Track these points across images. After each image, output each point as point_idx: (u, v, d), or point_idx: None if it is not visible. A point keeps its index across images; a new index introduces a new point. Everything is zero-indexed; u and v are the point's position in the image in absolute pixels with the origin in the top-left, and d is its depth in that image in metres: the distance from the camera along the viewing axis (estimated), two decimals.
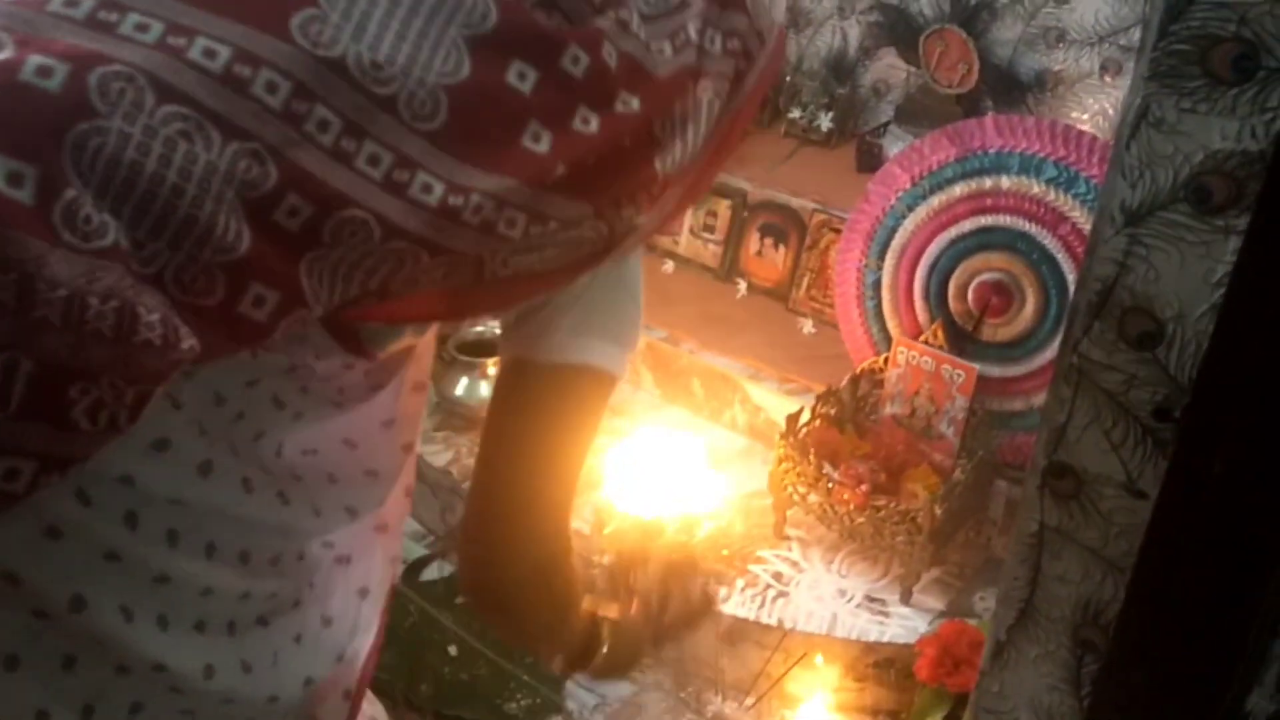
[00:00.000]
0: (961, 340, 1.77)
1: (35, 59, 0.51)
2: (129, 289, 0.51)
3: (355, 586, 0.80)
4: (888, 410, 1.77)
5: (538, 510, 0.75)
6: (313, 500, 0.71)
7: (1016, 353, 1.75)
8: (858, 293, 1.89)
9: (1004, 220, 1.70)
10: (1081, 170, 1.65)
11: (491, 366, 1.97)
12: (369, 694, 0.87)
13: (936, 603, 1.67)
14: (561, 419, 0.74)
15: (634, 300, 0.76)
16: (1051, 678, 0.75)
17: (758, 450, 1.97)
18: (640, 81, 0.61)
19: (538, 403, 0.74)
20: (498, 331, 2.07)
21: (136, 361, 0.52)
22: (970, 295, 1.76)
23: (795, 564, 1.75)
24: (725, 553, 1.75)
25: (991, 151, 1.71)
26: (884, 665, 1.60)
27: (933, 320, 1.78)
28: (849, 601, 1.67)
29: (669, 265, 2.28)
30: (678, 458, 1.93)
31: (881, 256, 1.85)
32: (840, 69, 2.41)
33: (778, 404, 1.93)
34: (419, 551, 1.87)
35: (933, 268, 1.78)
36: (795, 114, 2.39)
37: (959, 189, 1.74)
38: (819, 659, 1.61)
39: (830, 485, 1.65)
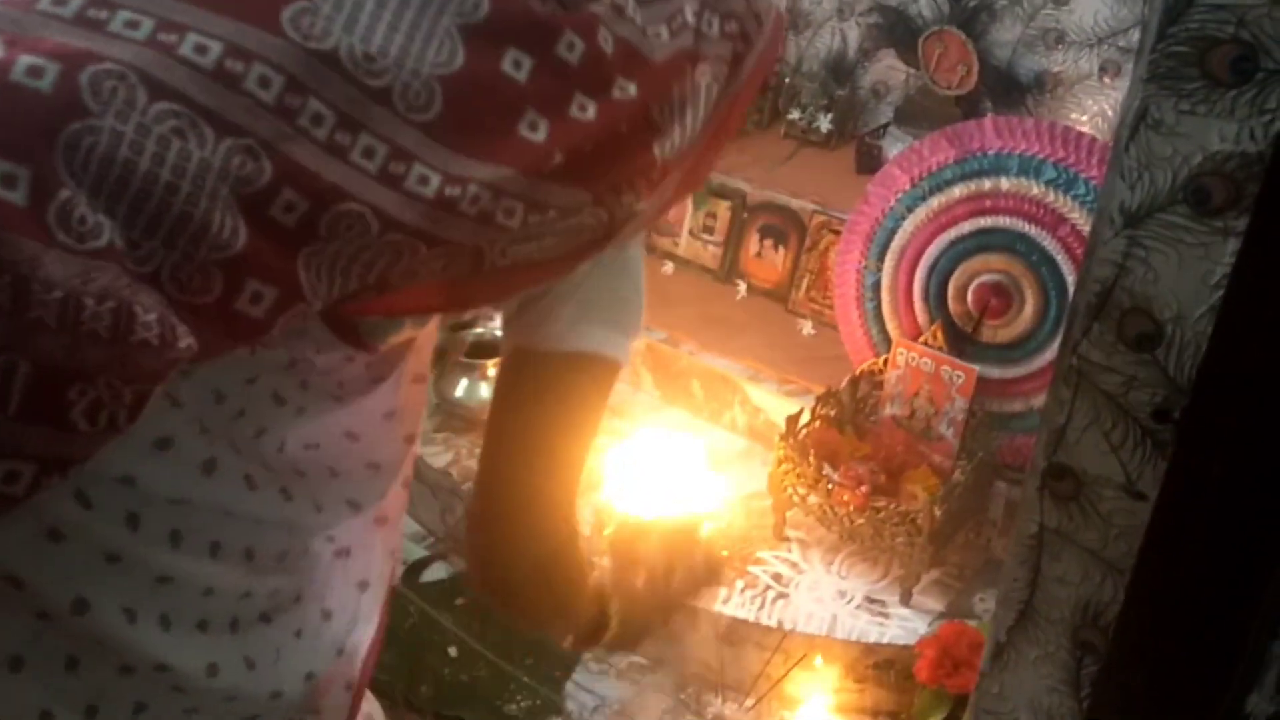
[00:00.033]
0: (961, 342, 1.77)
1: (25, 59, 0.51)
2: (125, 289, 0.51)
3: (355, 579, 0.80)
4: (887, 411, 1.77)
5: (544, 499, 0.75)
6: (315, 495, 0.71)
7: (1016, 354, 1.75)
8: (857, 294, 1.89)
9: (1003, 222, 1.70)
10: (1081, 172, 1.65)
11: (491, 368, 1.97)
12: (366, 693, 0.87)
13: (936, 604, 1.67)
14: (565, 407, 0.74)
15: (635, 287, 0.76)
16: (1051, 679, 0.75)
17: (757, 451, 1.97)
18: (637, 67, 0.61)
19: (541, 392, 0.73)
20: (497, 333, 2.08)
21: (134, 361, 0.52)
22: (970, 297, 1.76)
23: (795, 565, 1.74)
24: (725, 554, 1.75)
25: (991, 153, 1.71)
26: (884, 666, 1.60)
27: (932, 322, 1.78)
28: (849, 603, 1.67)
29: (669, 266, 2.28)
30: (677, 459, 1.93)
31: (881, 258, 1.85)
32: (840, 70, 2.41)
33: (777, 405, 1.93)
34: (419, 553, 1.88)
35: (932, 269, 1.79)
36: (795, 115, 2.39)
37: (958, 190, 1.74)
38: (819, 660, 1.61)
39: (830, 486, 1.65)
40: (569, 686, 1.65)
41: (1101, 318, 0.65)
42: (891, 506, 1.62)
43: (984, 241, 1.73)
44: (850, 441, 1.77)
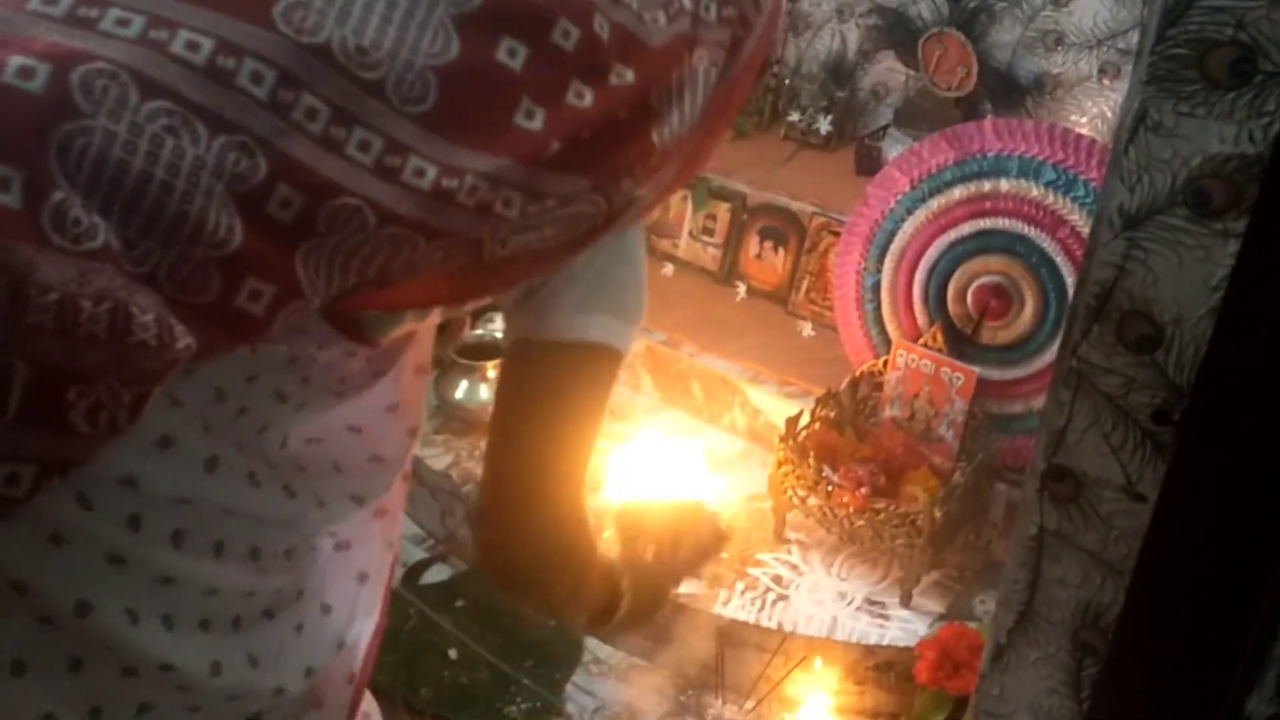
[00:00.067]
0: (961, 343, 1.77)
1: (16, 60, 0.50)
2: (121, 290, 0.51)
3: (354, 572, 0.80)
4: (887, 413, 1.77)
5: (551, 489, 0.74)
6: (318, 491, 0.71)
7: (1016, 356, 1.75)
8: (857, 296, 1.89)
9: (1003, 223, 1.71)
10: (1080, 173, 1.65)
11: (491, 370, 1.97)
12: (365, 692, 0.87)
13: (936, 605, 1.67)
14: (569, 396, 0.73)
15: (636, 273, 0.75)
16: (1051, 680, 0.75)
17: (757, 453, 1.97)
18: (634, 52, 0.60)
19: (544, 382, 0.73)
20: (497, 335, 2.08)
21: (132, 363, 0.52)
22: (969, 298, 1.76)
23: (795, 567, 1.74)
24: (725, 556, 1.75)
25: (990, 155, 1.71)
26: (884, 668, 1.60)
27: (932, 323, 1.78)
28: (849, 604, 1.67)
29: (669, 268, 2.28)
30: (677, 460, 1.93)
31: (881, 259, 1.85)
32: (839, 72, 2.41)
33: (777, 407, 1.93)
34: (419, 555, 1.88)
35: (932, 271, 1.79)
36: (794, 117, 2.39)
37: (958, 192, 1.74)
38: (819, 662, 1.61)
39: (830, 488, 1.65)
40: (569, 688, 1.65)
41: (1101, 320, 0.65)
42: (891, 508, 1.62)
43: (984, 243, 1.73)
44: (850, 443, 1.77)
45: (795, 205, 2.16)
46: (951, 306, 1.78)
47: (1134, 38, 2.01)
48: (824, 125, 2.36)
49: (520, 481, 0.74)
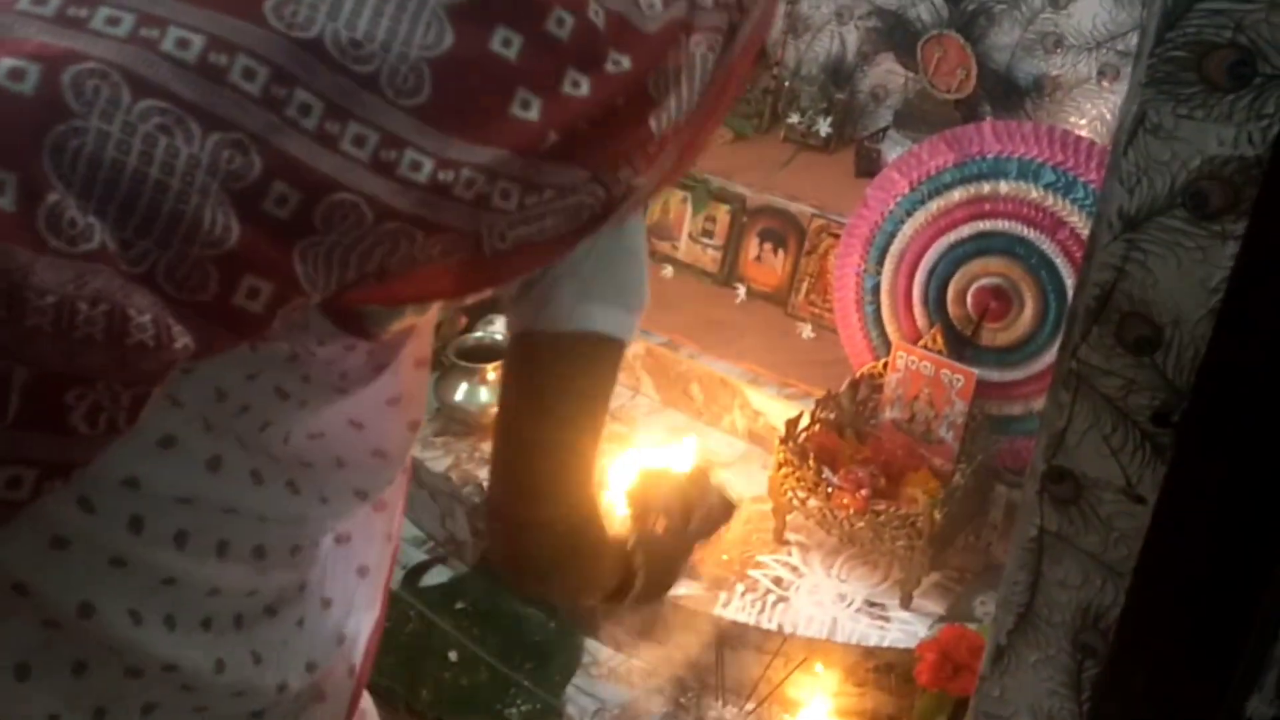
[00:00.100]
0: (960, 345, 1.77)
1: (6, 62, 0.50)
2: (118, 291, 0.51)
3: (355, 565, 0.79)
4: (887, 415, 1.77)
5: (559, 480, 0.74)
6: (322, 487, 0.71)
7: (1015, 357, 1.75)
8: (857, 297, 1.90)
9: (1002, 225, 1.71)
10: (1079, 175, 1.65)
11: (491, 372, 1.97)
12: (364, 692, 0.87)
13: (936, 607, 1.67)
14: (573, 387, 0.73)
15: (637, 262, 0.75)
16: (1052, 682, 0.75)
17: (757, 455, 1.97)
18: (630, 39, 0.60)
19: (547, 374, 0.73)
20: (497, 337, 2.08)
21: (131, 364, 0.52)
22: (969, 300, 1.76)
23: (795, 569, 1.74)
24: (725, 558, 1.75)
25: (990, 157, 1.71)
26: (884, 670, 1.60)
27: (932, 325, 1.79)
28: (849, 606, 1.67)
29: (668, 270, 2.28)
30: (677, 462, 1.93)
31: (880, 261, 1.85)
32: (839, 74, 2.41)
33: (777, 409, 1.93)
34: (419, 557, 1.88)
35: (931, 273, 1.79)
36: (794, 119, 2.39)
37: (957, 194, 1.74)
38: (819, 664, 1.61)
39: (830, 490, 1.65)
40: (569, 690, 1.65)
41: (1101, 321, 0.65)
42: (891, 510, 1.62)
43: (983, 245, 1.73)
44: (850, 445, 1.77)
45: (795, 207, 2.16)
46: (951, 308, 1.78)
47: (1133, 40, 2.01)
48: (823, 127, 2.36)
49: (528, 474, 0.74)
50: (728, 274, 2.24)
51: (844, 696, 1.61)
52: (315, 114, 0.53)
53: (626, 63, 0.60)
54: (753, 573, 1.73)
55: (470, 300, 0.68)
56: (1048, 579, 0.72)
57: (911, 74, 2.25)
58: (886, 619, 1.65)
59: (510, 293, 0.73)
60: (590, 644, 1.73)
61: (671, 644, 1.67)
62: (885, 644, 1.61)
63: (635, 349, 2.08)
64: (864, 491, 1.63)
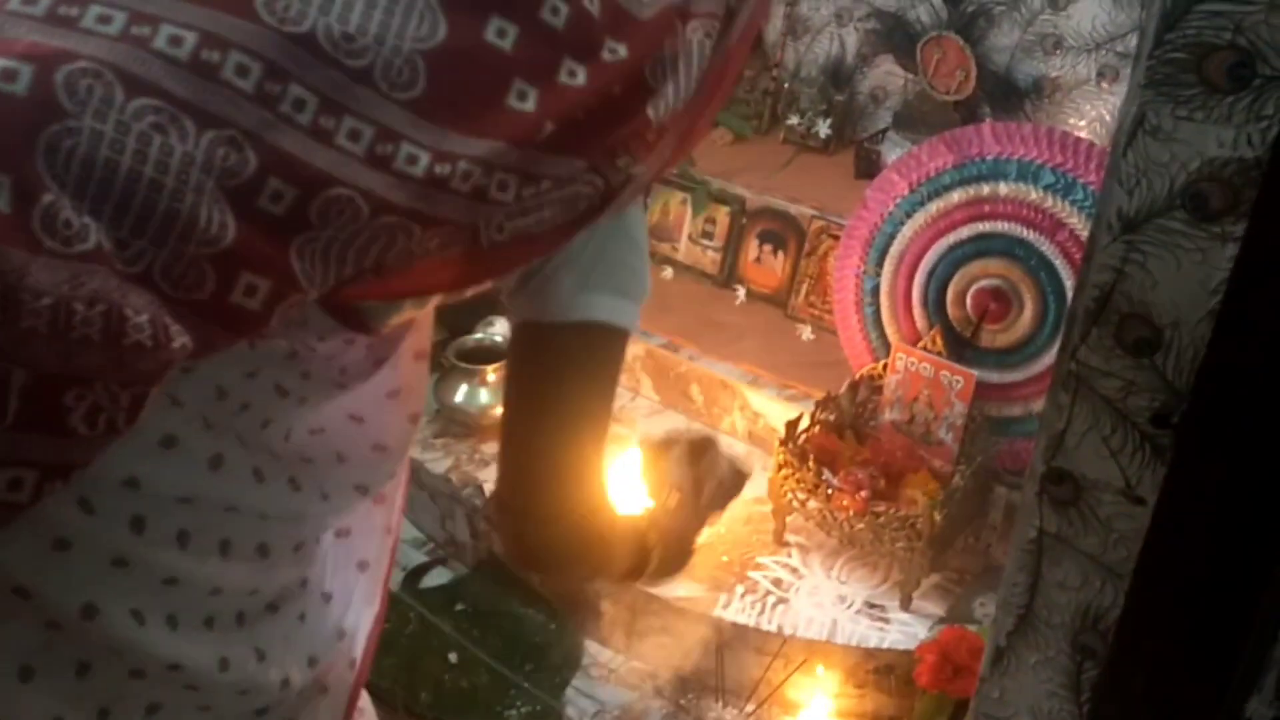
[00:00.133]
0: (960, 346, 1.77)
1: None
2: (115, 291, 0.50)
3: (354, 560, 0.79)
4: (887, 416, 1.77)
5: (566, 471, 0.74)
6: (323, 483, 0.71)
7: (1015, 359, 1.75)
8: (856, 299, 1.90)
9: (1002, 227, 1.71)
10: (1079, 177, 1.65)
11: (491, 373, 1.97)
12: (362, 692, 0.87)
13: (936, 609, 1.67)
14: (576, 377, 0.73)
15: (638, 250, 0.74)
16: (1051, 684, 0.75)
17: (757, 456, 1.97)
18: (626, 26, 0.59)
19: (550, 364, 0.72)
20: (496, 339, 2.08)
21: (128, 364, 0.51)
22: (969, 301, 1.76)
23: (795, 570, 1.74)
24: (725, 559, 1.75)
25: (989, 158, 1.71)
26: (884, 671, 1.60)
27: (931, 326, 1.79)
28: (849, 608, 1.67)
29: (668, 272, 2.28)
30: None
31: (880, 263, 1.85)
32: (838, 76, 2.41)
33: (777, 410, 1.93)
34: (419, 558, 1.87)
35: (931, 274, 1.79)
36: (794, 121, 2.40)
37: (957, 195, 1.74)
38: (819, 666, 1.61)
39: (829, 492, 1.65)
40: (569, 692, 1.65)
41: (1100, 323, 0.65)
42: (891, 511, 1.62)
43: (983, 246, 1.73)
44: (850, 446, 1.77)
45: (794, 209, 2.16)
46: (951, 310, 1.78)
47: (1132, 41, 2.02)
48: (823, 129, 2.36)
49: (536, 465, 0.73)
50: (727, 275, 2.25)
51: (844, 698, 1.61)
52: (309, 109, 0.53)
53: (623, 51, 0.59)
54: (752, 574, 1.73)
55: (470, 293, 0.67)
56: (1047, 580, 0.72)
57: (911, 75, 2.25)
58: (886, 620, 1.65)
59: (509, 285, 0.72)
60: (590, 645, 1.73)
61: (671, 646, 1.67)
62: (885, 645, 1.61)
63: (635, 350, 2.08)
64: (864, 493, 1.63)
